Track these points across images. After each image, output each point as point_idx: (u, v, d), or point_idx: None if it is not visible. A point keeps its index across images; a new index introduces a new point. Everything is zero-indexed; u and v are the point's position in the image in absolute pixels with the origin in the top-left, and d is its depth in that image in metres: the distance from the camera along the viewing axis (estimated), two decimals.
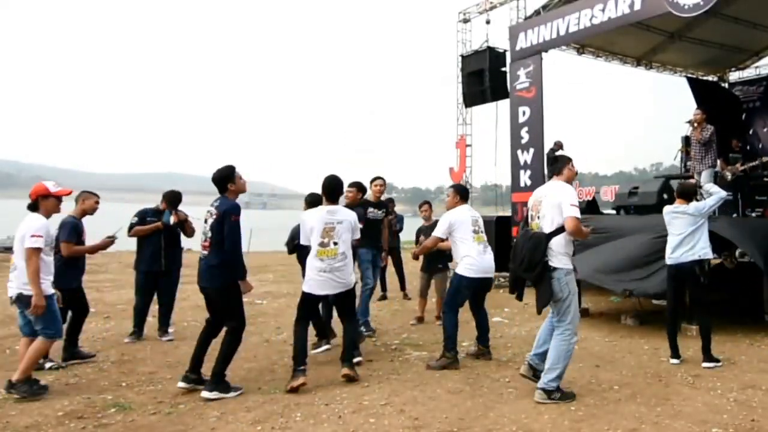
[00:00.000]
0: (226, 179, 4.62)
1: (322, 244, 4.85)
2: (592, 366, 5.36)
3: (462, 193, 5.73)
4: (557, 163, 4.70)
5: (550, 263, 4.37)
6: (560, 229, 4.37)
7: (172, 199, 6.52)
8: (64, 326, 5.38)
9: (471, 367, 5.33)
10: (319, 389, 4.66)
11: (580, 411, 4.13)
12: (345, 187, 5.58)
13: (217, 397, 4.41)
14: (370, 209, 6.63)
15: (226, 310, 4.66)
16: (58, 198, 4.73)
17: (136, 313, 6.52)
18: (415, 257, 6.33)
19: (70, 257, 5.47)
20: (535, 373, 4.57)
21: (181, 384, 4.60)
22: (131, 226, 6.37)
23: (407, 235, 10.10)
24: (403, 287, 9.63)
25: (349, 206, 5.70)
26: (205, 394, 4.43)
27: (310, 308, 5.14)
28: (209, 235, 4.55)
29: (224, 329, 4.69)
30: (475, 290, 5.48)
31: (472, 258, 5.34)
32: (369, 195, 6.84)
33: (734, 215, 8.74)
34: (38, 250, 4.43)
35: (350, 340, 5.04)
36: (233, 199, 4.64)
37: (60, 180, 5.52)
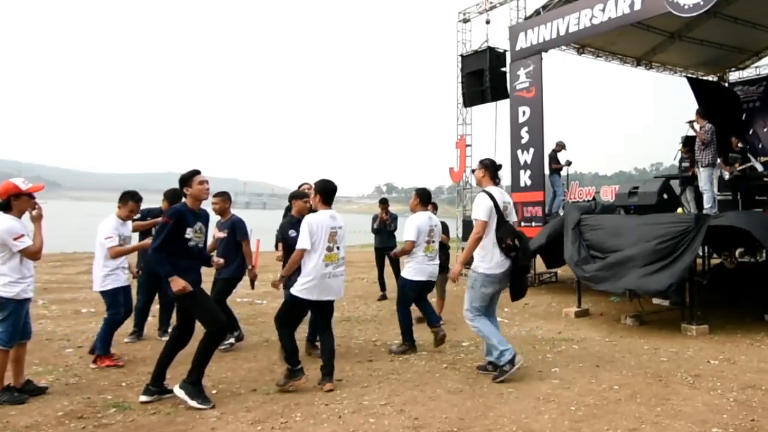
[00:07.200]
0: (181, 183, 4.49)
1: (329, 249, 4.77)
2: (592, 366, 5.36)
3: (424, 197, 6.22)
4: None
5: None
6: None
7: (174, 197, 6.49)
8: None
9: (471, 367, 5.33)
10: (319, 389, 4.65)
11: (580, 411, 4.12)
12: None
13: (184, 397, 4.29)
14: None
15: (185, 311, 4.49)
16: (30, 195, 4.57)
17: (137, 312, 6.51)
18: (397, 256, 7.17)
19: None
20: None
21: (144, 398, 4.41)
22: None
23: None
24: None
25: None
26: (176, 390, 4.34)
27: (300, 315, 4.95)
28: None
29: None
30: (420, 290, 6.04)
31: (419, 264, 5.93)
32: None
33: None
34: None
35: (331, 351, 4.83)
36: (193, 206, 4.46)
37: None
